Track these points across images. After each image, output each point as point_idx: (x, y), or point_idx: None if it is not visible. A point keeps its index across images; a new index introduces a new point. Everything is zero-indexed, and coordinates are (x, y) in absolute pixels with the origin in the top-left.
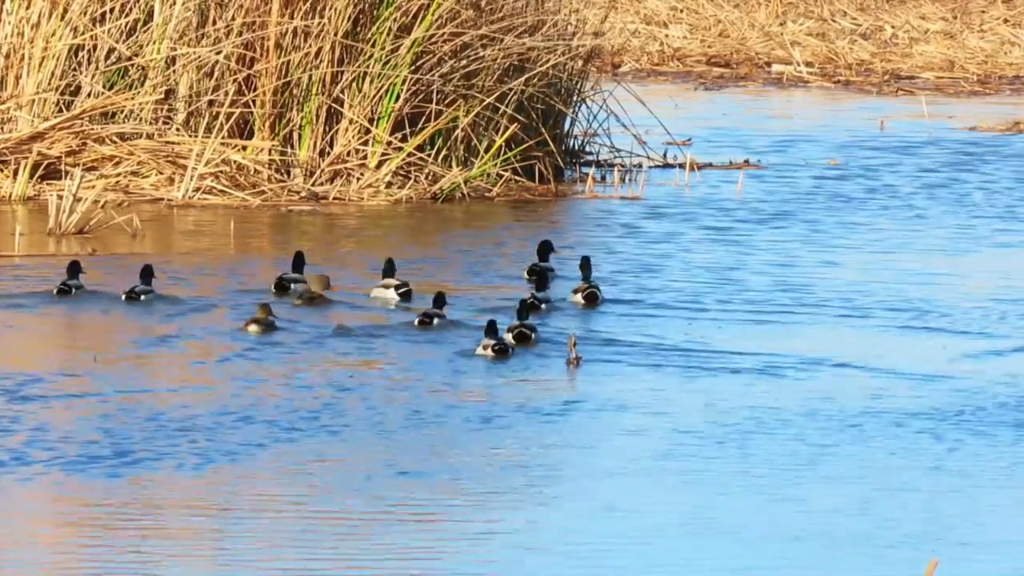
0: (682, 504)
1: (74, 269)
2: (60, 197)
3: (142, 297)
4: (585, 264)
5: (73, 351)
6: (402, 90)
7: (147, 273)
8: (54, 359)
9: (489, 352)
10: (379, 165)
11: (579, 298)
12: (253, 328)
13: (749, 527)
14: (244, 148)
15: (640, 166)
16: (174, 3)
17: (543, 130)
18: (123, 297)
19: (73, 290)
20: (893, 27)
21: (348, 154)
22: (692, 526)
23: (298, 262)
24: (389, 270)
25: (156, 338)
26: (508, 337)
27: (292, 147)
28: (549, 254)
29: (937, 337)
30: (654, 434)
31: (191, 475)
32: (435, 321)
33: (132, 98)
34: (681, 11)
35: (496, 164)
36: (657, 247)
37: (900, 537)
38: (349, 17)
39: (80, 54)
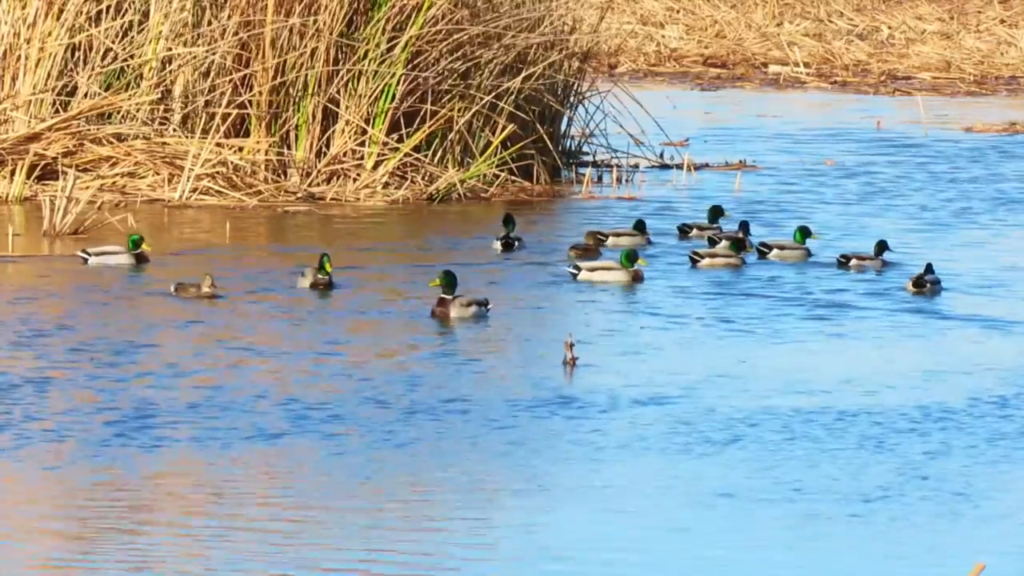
0: (682, 502)
1: None
2: (55, 198)
3: None
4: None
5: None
6: (397, 90)
7: None
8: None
9: None
10: (375, 166)
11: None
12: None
13: (761, 510)
14: (240, 149)
15: (637, 166)
16: (170, 2)
17: (540, 130)
18: None
19: None
20: (890, 27)
21: (344, 155)
22: (691, 523)
23: (508, 222)
24: (509, 222)
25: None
26: None
27: (288, 147)
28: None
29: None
30: (652, 432)
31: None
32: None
33: (128, 99)
34: (678, 11)
35: (492, 164)
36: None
37: None
38: (344, 16)
39: (76, 54)
